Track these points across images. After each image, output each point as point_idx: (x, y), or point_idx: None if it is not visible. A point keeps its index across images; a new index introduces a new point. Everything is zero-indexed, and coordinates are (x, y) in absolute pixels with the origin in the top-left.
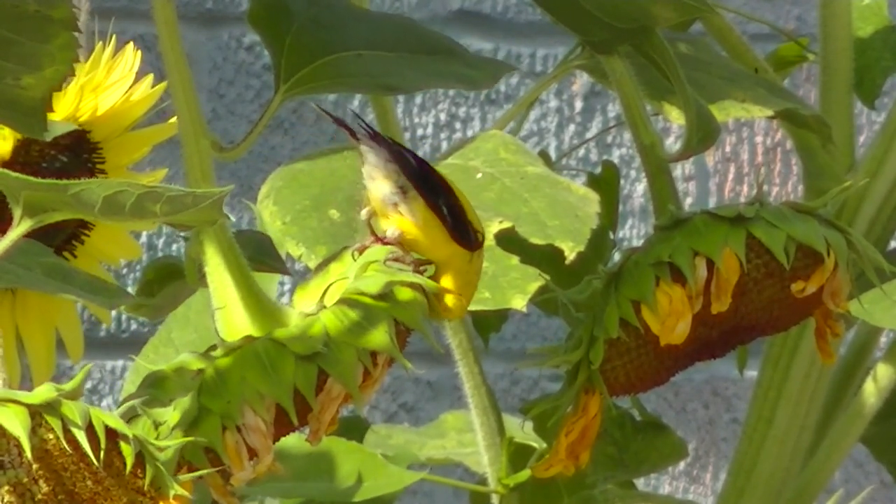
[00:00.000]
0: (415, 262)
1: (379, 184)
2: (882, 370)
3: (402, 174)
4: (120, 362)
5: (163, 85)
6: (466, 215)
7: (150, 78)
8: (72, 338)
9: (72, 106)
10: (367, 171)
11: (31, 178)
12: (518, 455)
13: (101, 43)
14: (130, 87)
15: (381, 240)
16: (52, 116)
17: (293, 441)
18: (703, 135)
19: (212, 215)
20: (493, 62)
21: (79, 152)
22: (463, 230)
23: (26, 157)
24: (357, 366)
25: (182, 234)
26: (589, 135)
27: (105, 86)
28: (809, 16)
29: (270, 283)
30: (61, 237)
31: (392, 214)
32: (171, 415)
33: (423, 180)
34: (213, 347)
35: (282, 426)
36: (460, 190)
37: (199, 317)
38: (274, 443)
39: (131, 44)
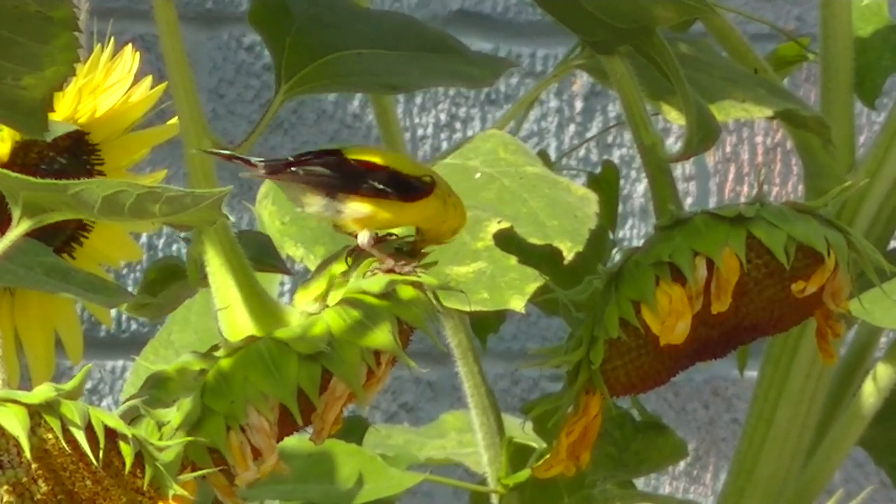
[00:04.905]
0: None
1: (311, 208)
2: (882, 370)
3: (317, 189)
4: (120, 362)
5: (162, 86)
6: (403, 172)
7: (148, 79)
8: (71, 339)
9: (70, 108)
10: (294, 202)
11: (31, 179)
12: (518, 455)
13: (99, 45)
14: (129, 89)
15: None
16: (50, 117)
17: (293, 442)
18: (703, 135)
19: (211, 215)
20: (493, 59)
21: (77, 154)
22: (405, 187)
23: (25, 159)
24: (361, 365)
25: (182, 234)
26: (589, 135)
27: (104, 87)
28: (809, 15)
29: (271, 283)
30: (60, 239)
31: (345, 220)
32: (174, 415)
33: (339, 178)
34: (216, 347)
35: (286, 426)
36: (387, 152)
37: (200, 319)
38: (278, 443)
39: (130, 45)
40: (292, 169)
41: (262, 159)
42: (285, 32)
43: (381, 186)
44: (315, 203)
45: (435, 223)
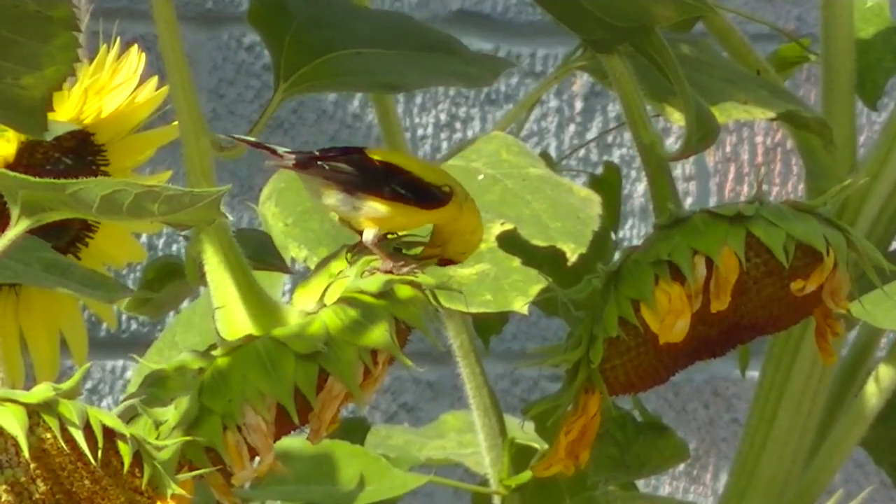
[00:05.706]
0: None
1: (329, 202)
2: (884, 371)
3: (338, 186)
4: (120, 362)
5: (167, 87)
6: (423, 179)
7: (154, 80)
8: (76, 340)
9: (76, 108)
10: (313, 194)
11: (29, 178)
12: (520, 456)
13: (105, 45)
14: (135, 90)
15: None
16: (56, 118)
17: (296, 444)
18: (702, 134)
19: (210, 214)
20: (492, 59)
21: (83, 154)
22: (425, 195)
23: (30, 160)
24: (357, 364)
25: (182, 233)
26: (589, 135)
27: (109, 88)
28: (810, 16)
29: (274, 283)
30: (65, 240)
31: (359, 218)
32: (171, 414)
33: (362, 178)
34: (214, 346)
35: (283, 425)
36: (408, 156)
37: (204, 320)
38: (275, 442)
39: (135, 46)
40: (318, 163)
41: (291, 150)
42: (284, 31)
43: (402, 191)
44: (333, 197)
45: (448, 225)
